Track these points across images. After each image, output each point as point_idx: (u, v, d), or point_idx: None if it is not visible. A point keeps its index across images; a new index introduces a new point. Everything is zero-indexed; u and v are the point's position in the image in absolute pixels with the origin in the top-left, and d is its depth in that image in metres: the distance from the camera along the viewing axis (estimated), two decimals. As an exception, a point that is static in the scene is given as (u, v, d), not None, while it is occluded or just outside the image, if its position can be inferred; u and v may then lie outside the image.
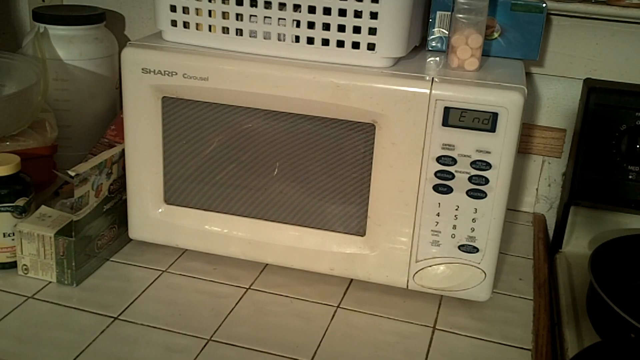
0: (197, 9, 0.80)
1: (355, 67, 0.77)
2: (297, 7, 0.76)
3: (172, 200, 0.86)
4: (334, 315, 0.78)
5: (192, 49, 0.81)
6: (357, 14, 0.75)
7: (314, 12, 0.76)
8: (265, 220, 0.85)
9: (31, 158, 0.88)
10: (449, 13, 0.85)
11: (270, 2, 0.77)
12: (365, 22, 0.75)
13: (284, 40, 0.78)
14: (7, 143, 0.90)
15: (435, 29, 0.87)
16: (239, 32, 0.79)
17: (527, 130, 1.08)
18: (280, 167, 0.85)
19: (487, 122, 0.72)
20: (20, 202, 0.81)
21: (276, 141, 0.82)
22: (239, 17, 0.79)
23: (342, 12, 0.75)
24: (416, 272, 0.80)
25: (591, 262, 0.83)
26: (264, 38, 0.79)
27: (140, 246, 0.89)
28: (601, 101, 0.94)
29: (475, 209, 0.76)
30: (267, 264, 0.87)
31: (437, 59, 0.85)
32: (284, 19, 0.77)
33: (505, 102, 0.72)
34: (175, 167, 0.85)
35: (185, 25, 0.81)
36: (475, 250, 0.78)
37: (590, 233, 1.00)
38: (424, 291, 0.81)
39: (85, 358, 0.69)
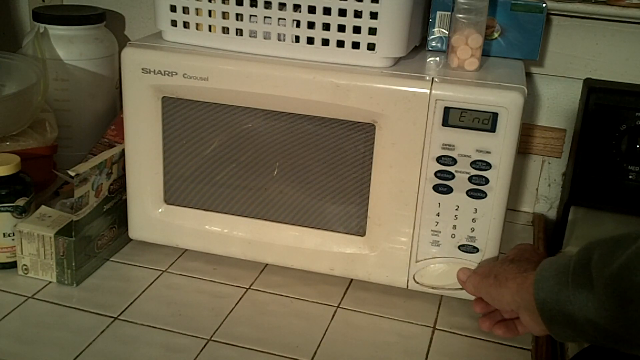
0: (197, 9, 0.80)
1: (355, 67, 0.77)
2: (297, 7, 0.76)
3: (172, 200, 0.86)
4: (334, 315, 0.78)
5: (192, 49, 0.81)
6: (357, 14, 0.75)
7: (314, 12, 0.76)
8: (265, 220, 0.85)
9: (31, 158, 0.88)
10: (449, 13, 0.85)
11: (270, 2, 0.77)
12: (365, 22, 0.75)
13: (284, 40, 0.78)
14: (7, 143, 0.90)
15: (435, 29, 0.87)
16: (239, 32, 0.79)
17: (527, 130, 1.08)
18: (280, 167, 0.85)
19: (487, 122, 0.72)
20: (20, 202, 0.81)
21: (276, 141, 0.82)
22: (239, 17, 0.79)
23: (342, 12, 0.75)
24: (416, 272, 0.80)
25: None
26: (264, 38, 0.79)
27: (140, 246, 0.89)
28: (601, 101, 0.94)
29: (475, 209, 0.76)
30: (267, 264, 0.87)
31: (437, 59, 0.85)
32: (284, 19, 0.77)
33: (505, 102, 0.72)
34: (175, 167, 0.85)
35: (185, 25, 0.81)
36: (475, 250, 0.78)
37: (590, 233, 1.00)
38: (424, 291, 0.81)
39: (85, 358, 0.69)
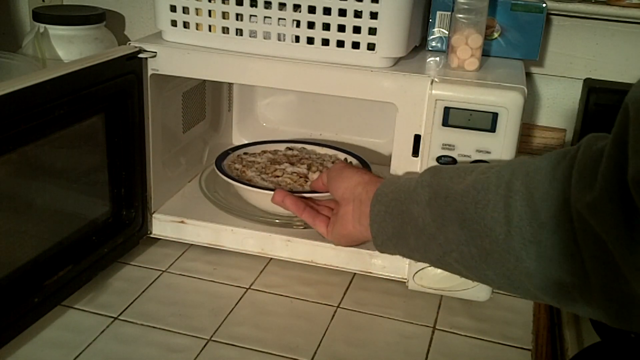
0: (197, 9, 0.80)
1: (355, 67, 0.77)
2: (297, 7, 0.76)
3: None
4: (334, 315, 0.78)
5: (192, 48, 0.81)
6: (357, 14, 0.75)
7: (314, 12, 0.76)
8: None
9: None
10: (449, 13, 0.85)
11: (270, 2, 0.77)
12: (365, 22, 0.75)
13: (284, 40, 0.78)
14: (7, 143, 0.90)
15: (435, 29, 0.87)
16: (239, 32, 0.79)
17: (527, 130, 1.08)
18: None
19: (487, 122, 0.72)
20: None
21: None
22: (239, 17, 0.79)
23: (342, 12, 0.75)
24: (416, 272, 0.80)
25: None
26: (264, 38, 0.79)
27: (140, 246, 0.89)
28: (601, 101, 0.94)
29: (475, 209, 0.76)
30: (267, 264, 0.87)
31: (437, 59, 0.85)
32: (284, 19, 0.77)
33: (505, 102, 0.72)
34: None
35: (185, 25, 0.81)
36: (475, 250, 0.78)
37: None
38: (424, 291, 0.81)
39: (85, 358, 0.69)
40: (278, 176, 0.89)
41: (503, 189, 0.54)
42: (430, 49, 0.88)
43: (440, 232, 0.59)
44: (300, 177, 0.89)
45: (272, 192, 0.82)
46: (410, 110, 0.75)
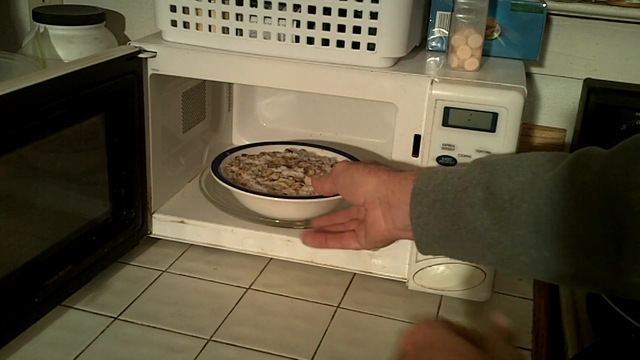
0: (197, 9, 0.80)
1: (355, 67, 0.77)
2: (297, 7, 0.76)
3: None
4: (334, 315, 0.78)
5: (192, 48, 0.81)
6: (357, 14, 0.75)
7: (314, 12, 0.76)
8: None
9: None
10: (449, 13, 0.85)
11: (270, 2, 0.77)
12: (365, 22, 0.75)
13: (284, 40, 0.78)
14: (7, 143, 0.90)
15: (435, 29, 0.87)
16: (239, 32, 0.79)
17: (527, 130, 1.08)
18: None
19: (487, 122, 0.72)
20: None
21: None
22: (239, 17, 0.79)
23: (342, 12, 0.75)
24: (416, 272, 0.80)
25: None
26: (264, 38, 0.79)
27: (140, 246, 0.89)
28: (601, 101, 0.94)
29: (475, 209, 0.76)
30: (267, 264, 0.87)
31: (437, 59, 0.85)
32: (284, 19, 0.77)
33: (505, 102, 0.72)
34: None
35: (185, 25, 0.81)
36: (475, 250, 0.78)
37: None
38: (424, 291, 0.81)
39: (85, 358, 0.69)
40: (273, 180, 0.89)
41: (579, 188, 0.49)
42: (430, 49, 0.88)
43: (506, 236, 0.54)
44: (296, 181, 0.89)
45: (264, 197, 0.82)
46: (410, 110, 0.75)
